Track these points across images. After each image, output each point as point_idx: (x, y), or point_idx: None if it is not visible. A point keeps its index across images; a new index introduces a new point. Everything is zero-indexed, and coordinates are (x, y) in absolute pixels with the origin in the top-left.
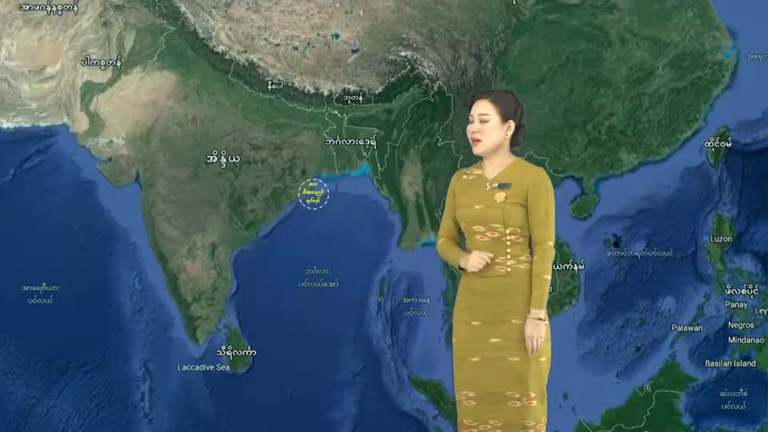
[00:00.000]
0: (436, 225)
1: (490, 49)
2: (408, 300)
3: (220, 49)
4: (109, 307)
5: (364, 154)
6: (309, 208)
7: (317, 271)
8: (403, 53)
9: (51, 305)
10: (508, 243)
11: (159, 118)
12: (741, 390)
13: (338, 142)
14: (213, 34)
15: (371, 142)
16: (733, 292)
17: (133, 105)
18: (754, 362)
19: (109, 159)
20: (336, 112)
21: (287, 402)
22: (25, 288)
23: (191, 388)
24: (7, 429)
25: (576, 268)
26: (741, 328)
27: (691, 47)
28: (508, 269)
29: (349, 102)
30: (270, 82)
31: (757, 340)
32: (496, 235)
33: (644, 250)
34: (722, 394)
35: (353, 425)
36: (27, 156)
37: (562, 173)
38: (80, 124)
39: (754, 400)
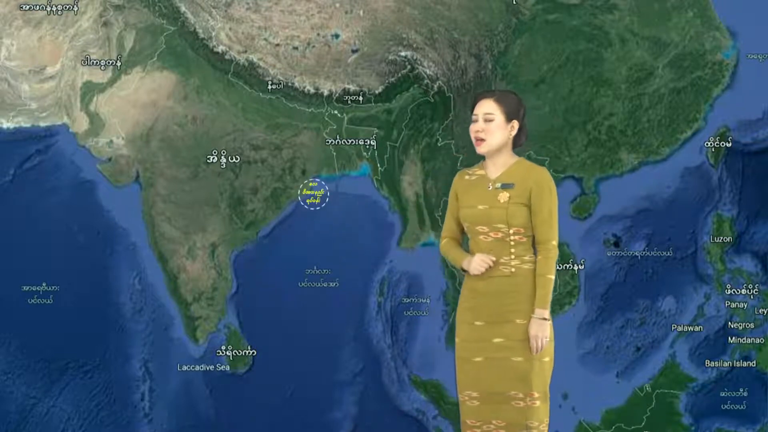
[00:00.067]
0: (436, 225)
1: (490, 49)
2: (408, 300)
3: (220, 49)
4: (109, 307)
5: (364, 154)
6: (309, 208)
7: (317, 271)
8: (403, 53)
9: (51, 305)
10: (512, 243)
11: (159, 118)
12: (741, 390)
13: (338, 142)
14: (213, 34)
15: (371, 142)
16: (733, 292)
17: (133, 105)
18: (754, 362)
19: (109, 159)
20: (336, 112)
21: (287, 402)
22: (25, 288)
23: (191, 388)
24: (7, 429)
25: (576, 268)
26: (741, 328)
27: (691, 47)
28: (513, 269)
29: (349, 102)
30: (270, 82)
31: (757, 340)
32: (500, 235)
33: (644, 250)
34: (722, 394)
35: (353, 425)
36: (27, 156)
37: (562, 173)
38: (80, 124)
39: (754, 400)
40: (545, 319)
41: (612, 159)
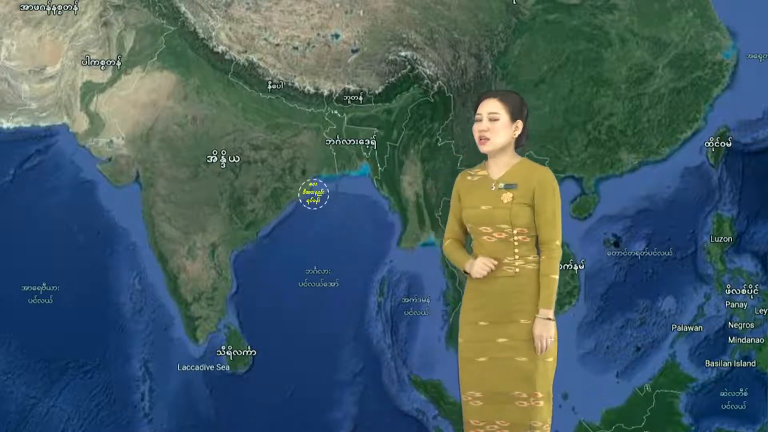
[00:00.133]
0: (436, 225)
1: (490, 49)
2: (408, 300)
3: (220, 49)
4: (109, 307)
5: (364, 154)
6: (309, 208)
7: (317, 271)
8: (403, 53)
9: (51, 305)
10: (516, 243)
11: (159, 118)
12: (741, 390)
13: (338, 142)
14: (213, 34)
15: (371, 142)
16: (733, 292)
17: (133, 105)
18: (754, 362)
19: (109, 159)
20: (336, 112)
21: (287, 402)
22: (25, 288)
23: (191, 388)
24: (7, 429)
25: (576, 268)
26: (741, 328)
27: (691, 47)
28: (517, 269)
29: (349, 102)
30: (270, 82)
31: (757, 340)
32: (504, 235)
33: (644, 250)
34: (722, 394)
35: (353, 425)
36: (27, 156)
37: (562, 173)
38: (80, 124)
39: (754, 400)
40: (550, 319)
41: (612, 159)
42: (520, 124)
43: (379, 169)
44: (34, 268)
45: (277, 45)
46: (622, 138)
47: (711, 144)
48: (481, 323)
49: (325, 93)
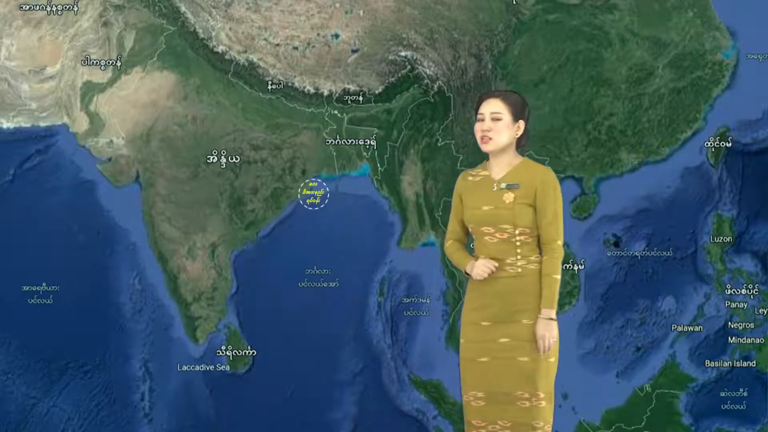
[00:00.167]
0: (436, 225)
1: (490, 49)
2: (408, 300)
3: (220, 49)
4: (109, 307)
5: (364, 154)
6: (309, 208)
7: (317, 271)
8: (403, 53)
9: (51, 305)
10: (518, 243)
11: (159, 118)
12: (741, 390)
13: (338, 142)
14: (213, 34)
15: (371, 142)
16: (733, 292)
17: (133, 105)
18: (754, 362)
19: (109, 159)
20: (336, 112)
21: (287, 402)
22: (25, 288)
23: (191, 388)
24: (7, 429)
25: (576, 268)
26: (741, 328)
27: (691, 47)
28: (519, 270)
29: (349, 102)
30: (270, 82)
31: (757, 340)
32: (506, 236)
33: (644, 250)
34: (722, 394)
35: (353, 425)
36: (27, 156)
37: (562, 173)
38: (80, 124)
39: (754, 400)
40: (552, 319)
41: (612, 159)
42: (522, 124)
43: (379, 169)
44: (34, 268)
45: (277, 45)
46: (622, 138)
47: (711, 144)
48: (484, 323)
49: (325, 93)
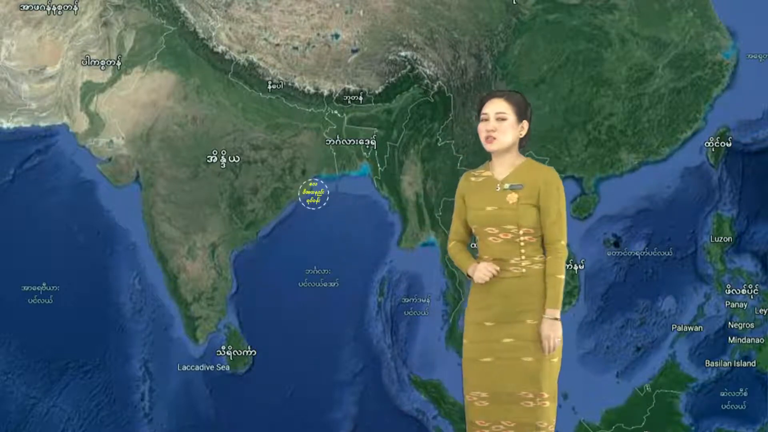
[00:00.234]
0: (436, 225)
1: (490, 49)
2: (408, 300)
3: (220, 49)
4: (109, 307)
5: (364, 154)
6: (309, 208)
7: (317, 271)
8: (403, 53)
9: (51, 305)
10: (522, 244)
11: (159, 118)
12: (741, 390)
13: (338, 142)
14: (213, 34)
15: (371, 142)
16: (733, 292)
17: (133, 105)
18: (754, 362)
19: (109, 159)
20: (336, 112)
21: (287, 402)
22: (25, 288)
23: (191, 388)
24: (7, 429)
25: (576, 268)
26: (741, 328)
27: (691, 47)
28: (524, 270)
29: (349, 102)
30: (270, 82)
31: (757, 340)
32: (510, 236)
33: (644, 250)
34: (722, 394)
35: (353, 425)
36: (27, 156)
37: (562, 173)
38: (80, 124)
39: (754, 400)
40: (556, 319)
41: (612, 159)
42: (525, 124)
43: (379, 169)
44: (34, 268)
45: (277, 45)
46: (622, 138)
47: (711, 144)
48: (487, 323)
49: (325, 93)
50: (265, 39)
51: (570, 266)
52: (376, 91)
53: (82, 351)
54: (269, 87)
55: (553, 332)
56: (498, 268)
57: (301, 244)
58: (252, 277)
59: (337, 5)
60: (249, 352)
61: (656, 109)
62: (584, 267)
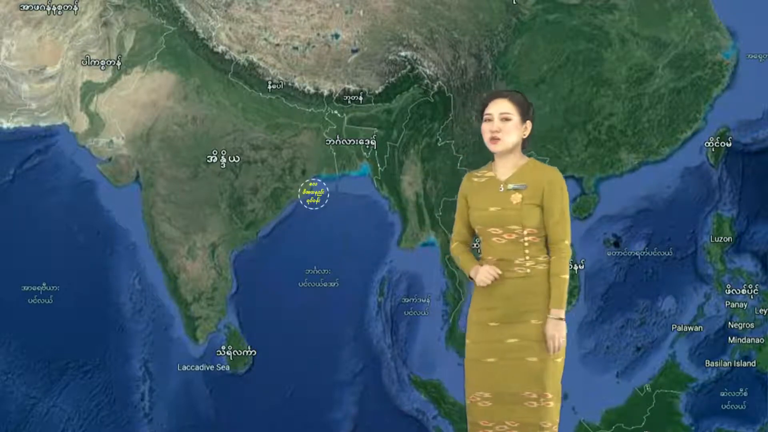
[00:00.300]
0: (436, 225)
1: (490, 49)
2: (408, 300)
3: (220, 49)
4: (109, 307)
5: (364, 154)
6: (309, 208)
7: (317, 271)
8: (403, 53)
9: (51, 305)
10: (526, 244)
11: (159, 118)
12: (741, 390)
13: (338, 142)
14: (213, 34)
15: (371, 142)
16: (733, 292)
17: (133, 105)
18: (754, 362)
19: (109, 159)
20: (336, 112)
21: (287, 402)
22: (25, 288)
23: (191, 388)
24: (7, 429)
25: (576, 268)
26: (741, 328)
27: (691, 47)
28: (528, 270)
29: (349, 102)
30: (270, 82)
31: (757, 340)
32: (514, 236)
33: (644, 250)
34: (722, 394)
35: (353, 425)
36: (27, 156)
37: (563, 173)
38: (80, 124)
39: (754, 400)
40: (561, 318)
41: (612, 159)
42: (529, 124)
43: (379, 169)
44: (34, 268)
45: (277, 45)
46: (622, 138)
47: (711, 144)
48: (491, 324)
49: (325, 93)
50: (265, 39)
51: (570, 266)
52: (376, 91)
53: (82, 351)
54: (269, 87)
55: (558, 332)
56: (500, 272)
57: (301, 244)
58: (252, 277)
59: (337, 5)
60: (249, 352)
61: (656, 109)
62: (584, 267)
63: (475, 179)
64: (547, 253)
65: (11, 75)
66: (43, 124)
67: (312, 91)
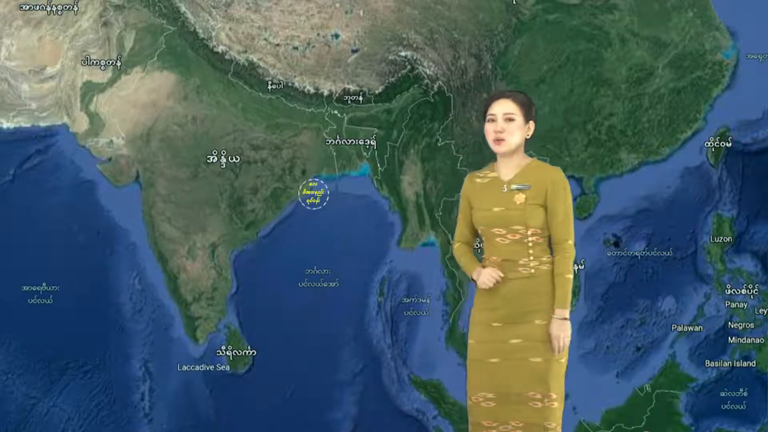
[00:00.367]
0: (436, 225)
1: (490, 49)
2: (408, 300)
3: (220, 49)
4: (109, 307)
5: (364, 154)
6: (309, 208)
7: (317, 271)
8: (403, 53)
9: (51, 305)
10: (530, 244)
11: (159, 118)
12: (741, 390)
13: (338, 142)
14: (213, 34)
15: (371, 142)
16: (733, 292)
17: (133, 105)
18: (754, 362)
19: (109, 159)
20: (336, 112)
21: (287, 402)
22: (25, 288)
23: (191, 388)
24: (7, 429)
25: (576, 268)
26: (741, 328)
27: (691, 47)
28: (532, 270)
29: (349, 102)
30: (270, 82)
31: (757, 340)
32: (518, 237)
33: (644, 250)
34: (722, 394)
35: (353, 425)
36: (27, 156)
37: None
38: (80, 124)
39: (754, 400)
40: (566, 318)
41: (612, 159)
42: (532, 124)
43: (379, 169)
44: (34, 268)
45: (277, 45)
46: (622, 138)
47: (711, 144)
48: (495, 324)
49: (325, 93)
50: (265, 39)
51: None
52: (376, 91)
53: (82, 351)
54: (269, 87)
55: (563, 332)
56: (502, 275)
57: (301, 244)
58: (252, 277)
59: (337, 5)
60: (249, 352)
61: (656, 109)
62: (584, 267)
63: (478, 180)
64: (551, 253)
65: (11, 75)
66: (43, 124)
67: (312, 91)
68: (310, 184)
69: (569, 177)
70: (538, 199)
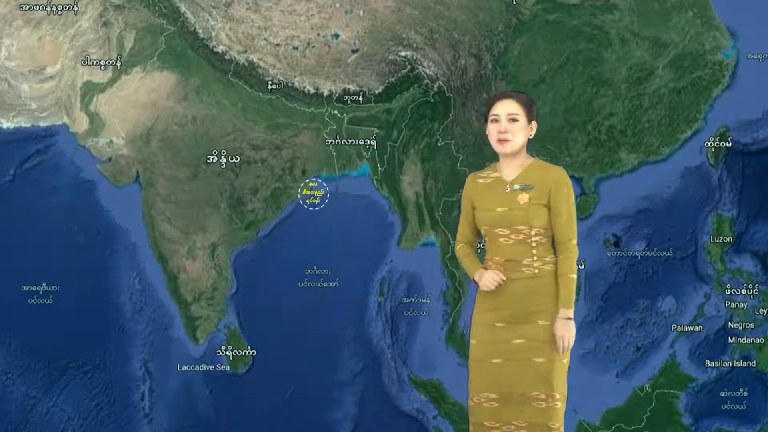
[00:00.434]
0: (436, 225)
1: (490, 49)
2: (408, 300)
3: (220, 49)
4: (109, 307)
5: (364, 154)
6: (309, 208)
7: (317, 271)
8: (403, 53)
9: (51, 305)
10: (533, 244)
11: (159, 118)
12: (741, 390)
13: (338, 142)
14: (213, 34)
15: (371, 142)
16: (733, 292)
17: (133, 105)
18: (754, 362)
19: (109, 159)
20: (336, 112)
21: (287, 402)
22: (25, 288)
23: (191, 388)
24: (7, 429)
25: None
26: (741, 328)
27: (691, 47)
28: (536, 270)
29: (349, 102)
30: (270, 82)
31: (757, 340)
32: (521, 237)
33: (644, 250)
34: (722, 394)
35: (353, 425)
36: (27, 156)
37: None
38: (80, 124)
39: (754, 400)
40: (570, 318)
41: (612, 159)
42: (534, 125)
43: (379, 169)
44: (34, 268)
45: (277, 45)
46: (622, 138)
47: (711, 144)
48: (498, 324)
49: (325, 93)
50: (265, 39)
51: None
52: (376, 91)
53: (82, 351)
54: (269, 87)
55: (568, 332)
56: (504, 278)
57: (301, 244)
58: (252, 277)
59: (337, 5)
60: (249, 352)
61: (656, 109)
62: (584, 267)
63: (480, 180)
64: (554, 253)
65: (11, 75)
66: (43, 124)
67: (312, 91)
68: (310, 184)
69: (569, 177)
70: (541, 199)
